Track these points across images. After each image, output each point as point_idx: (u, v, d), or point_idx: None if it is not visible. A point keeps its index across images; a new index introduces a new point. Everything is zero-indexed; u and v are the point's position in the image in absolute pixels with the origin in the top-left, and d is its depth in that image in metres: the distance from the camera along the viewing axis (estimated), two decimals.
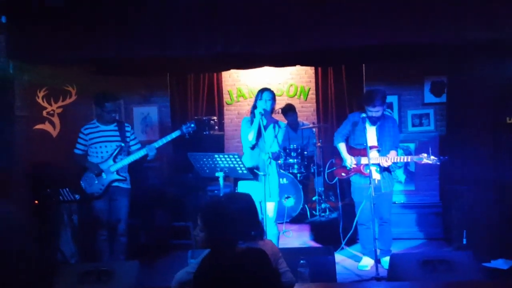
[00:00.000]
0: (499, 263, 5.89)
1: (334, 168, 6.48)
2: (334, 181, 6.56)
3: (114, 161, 6.02)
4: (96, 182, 5.98)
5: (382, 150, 6.06)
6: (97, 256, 6.13)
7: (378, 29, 5.69)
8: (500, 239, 6.25)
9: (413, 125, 7.87)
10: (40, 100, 6.77)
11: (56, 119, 6.90)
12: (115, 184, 6.04)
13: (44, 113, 6.85)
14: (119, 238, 6.12)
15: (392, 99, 7.88)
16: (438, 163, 6.06)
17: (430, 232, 7.43)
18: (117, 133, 6.13)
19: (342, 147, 6.29)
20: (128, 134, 6.21)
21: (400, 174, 7.80)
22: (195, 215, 7.16)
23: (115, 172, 6.01)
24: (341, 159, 6.34)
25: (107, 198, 6.04)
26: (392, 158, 5.98)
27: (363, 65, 8.17)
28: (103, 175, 5.98)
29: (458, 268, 4.60)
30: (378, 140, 6.10)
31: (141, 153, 6.08)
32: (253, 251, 3.07)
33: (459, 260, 4.73)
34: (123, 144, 6.10)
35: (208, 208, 3.33)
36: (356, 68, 8.80)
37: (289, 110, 9.02)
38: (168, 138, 6.12)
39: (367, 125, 6.04)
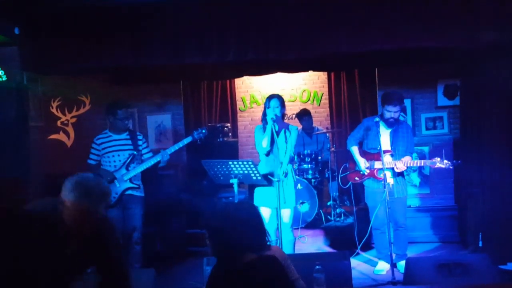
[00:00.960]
0: None
1: (348, 172, 6.48)
2: (348, 185, 6.56)
3: (127, 169, 6.04)
4: None
5: (396, 154, 6.05)
6: None
7: (391, 34, 5.68)
8: None
9: (427, 129, 7.84)
10: (54, 110, 6.84)
11: (70, 129, 6.97)
12: (129, 192, 6.06)
13: (59, 123, 6.92)
14: (134, 246, 6.13)
15: (405, 102, 7.83)
16: (451, 167, 6.04)
17: (445, 235, 7.39)
18: (130, 142, 6.17)
19: (355, 150, 6.29)
20: (140, 142, 6.24)
21: (414, 178, 7.78)
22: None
23: (128, 180, 6.03)
24: (354, 163, 6.34)
25: (121, 206, 6.06)
26: (407, 162, 5.97)
27: (376, 69, 8.16)
28: (116, 183, 6.00)
29: (474, 271, 4.57)
30: (392, 144, 6.10)
31: (156, 159, 6.09)
32: (265, 260, 3.05)
33: (475, 263, 4.70)
34: (135, 153, 6.13)
35: (209, 218, 3.31)
36: (369, 72, 8.79)
37: (304, 114, 9.03)
38: (180, 144, 6.14)
39: (382, 129, 6.05)
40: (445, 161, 5.92)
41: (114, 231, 3.38)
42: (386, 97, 6.10)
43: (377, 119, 6.01)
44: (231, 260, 3.07)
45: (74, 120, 6.99)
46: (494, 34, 5.50)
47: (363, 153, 6.26)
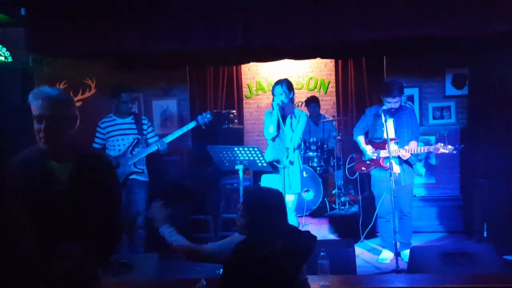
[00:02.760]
0: None
1: (354, 163, 6.47)
2: (355, 176, 6.55)
3: (131, 153, 6.03)
4: None
5: (400, 142, 6.01)
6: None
7: (400, 21, 5.64)
8: None
9: (434, 118, 7.80)
10: None
11: None
12: (133, 176, 6.06)
13: None
14: (138, 231, 6.13)
15: (413, 91, 7.83)
16: (455, 152, 5.96)
17: (450, 225, 7.39)
18: (134, 126, 6.16)
19: (361, 139, 6.28)
20: (145, 126, 6.23)
21: (420, 167, 7.75)
22: (214, 208, 7.14)
23: (132, 165, 6.03)
24: (361, 153, 6.31)
25: (125, 191, 6.04)
26: (412, 149, 5.93)
27: (384, 57, 8.10)
28: (120, 168, 6.00)
29: (479, 260, 4.57)
30: (396, 132, 6.05)
31: (152, 148, 6.08)
32: (293, 250, 3.12)
33: (479, 253, 4.70)
34: (139, 137, 6.12)
35: (252, 196, 3.34)
36: (377, 60, 8.73)
37: (311, 101, 9.00)
38: (184, 129, 6.14)
39: (385, 118, 6.01)
40: (449, 146, 5.87)
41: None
42: (385, 88, 6.00)
43: (384, 107, 5.95)
44: (262, 242, 3.11)
45: (79, 103, 6.92)
46: (505, 24, 5.44)
47: (369, 143, 6.23)
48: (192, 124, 6.14)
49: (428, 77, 7.85)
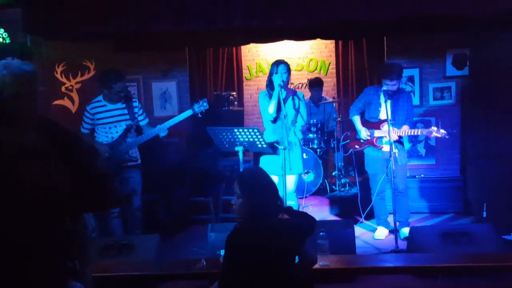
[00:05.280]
0: None
1: (348, 140, 6.53)
2: (349, 152, 6.61)
3: (125, 141, 5.86)
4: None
5: (395, 123, 6.04)
6: (110, 233, 6.06)
7: (401, 1, 5.60)
8: None
9: (435, 99, 7.77)
10: (58, 76, 6.76)
11: (75, 95, 6.90)
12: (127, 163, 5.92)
13: (63, 88, 6.84)
14: (134, 213, 6.05)
15: (413, 72, 7.79)
16: (447, 137, 6.03)
17: (450, 206, 7.37)
18: (126, 111, 5.92)
19: (357, 119, 6.35)
20: (135, 110, 5.99)
21: (420, 148, 7.75)
22: (214, 190, 7.14)
23: (125, 153, 5.84)
24: (355, 132, 6.37)
25: (120, 175, 5.87)
26: (403, 131, 5.99)
27: (385, 38, 8.06)
28: (115, 155, 5.80)
29: (478, 240, 4.60)
30: (392, 114, 6.07)
31: (152, 133, 5.83)
32: (290, 225, 3.16)
33: (479, 233, 4.73)
34: (132, 123, 5.92)
35: (245, 176, 3.38)
36: (377, 41, 8.68)
37: (316, 84, 8.93)
38: (180, 117, 5.85)
39: (382, 99, 6.04)
40: (441, 130, 5.96)
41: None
42: (384, 70, 6.09)
43: (384, 88, 5.99)
44: (259, 220, 3.14)
45: (78, 85, 6.91)
46: (506, 4, 5.40)
47: (365, 122, 6.29)
48: (188, 113, 5.85)
49: (429, 57, 7.81)
